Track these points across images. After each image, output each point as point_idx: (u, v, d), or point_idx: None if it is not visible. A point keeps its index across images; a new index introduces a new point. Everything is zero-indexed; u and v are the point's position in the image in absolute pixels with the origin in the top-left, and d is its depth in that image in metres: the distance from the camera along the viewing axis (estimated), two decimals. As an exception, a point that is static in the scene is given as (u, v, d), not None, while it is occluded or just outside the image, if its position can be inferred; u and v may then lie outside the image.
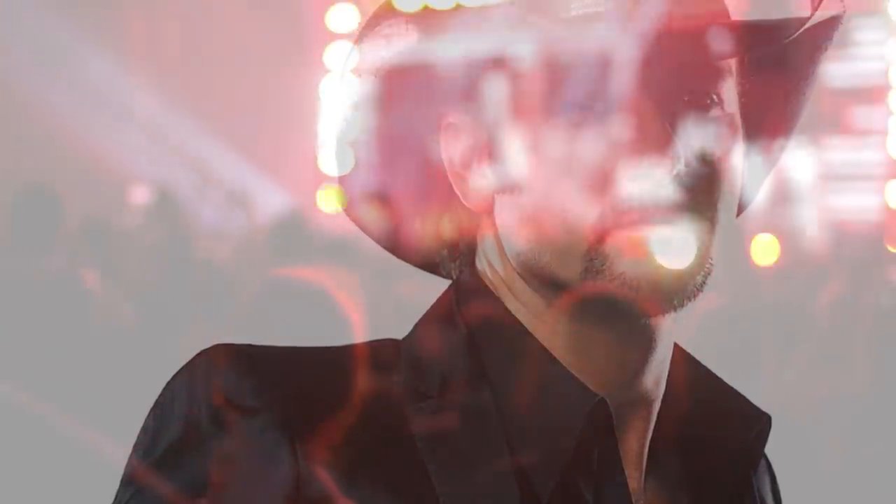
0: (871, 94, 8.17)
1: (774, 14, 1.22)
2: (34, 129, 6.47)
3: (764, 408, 1.29)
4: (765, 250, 6.93)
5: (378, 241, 1.35)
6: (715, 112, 1.20)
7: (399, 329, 1.30)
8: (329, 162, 1.32)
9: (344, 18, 7.74)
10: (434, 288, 1.32)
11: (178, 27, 7.66)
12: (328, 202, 7.53)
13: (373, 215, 1.33)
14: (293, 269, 3.69)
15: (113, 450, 2.95)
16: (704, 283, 1.19)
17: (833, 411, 5.29)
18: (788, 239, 7.36)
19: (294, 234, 5.65)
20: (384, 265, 5.26)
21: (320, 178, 7.60)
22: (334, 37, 7.74)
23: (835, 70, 7.86)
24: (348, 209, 1.35)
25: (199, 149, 7.04)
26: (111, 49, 7.18)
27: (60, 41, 6.87)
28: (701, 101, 1.20)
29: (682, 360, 1.30)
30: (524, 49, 1.21)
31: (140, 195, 5.50)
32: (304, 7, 7.95)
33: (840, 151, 8.33)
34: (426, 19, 1.25)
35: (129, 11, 7.71)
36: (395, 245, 1.34)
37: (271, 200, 6.72)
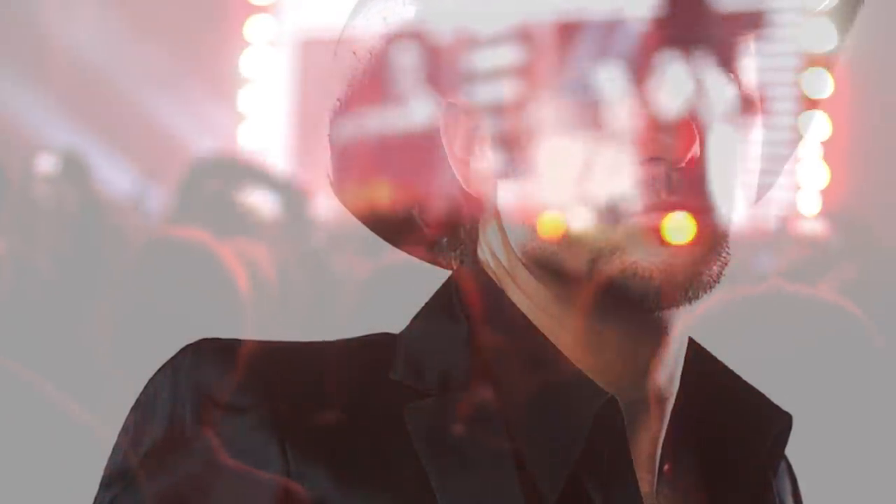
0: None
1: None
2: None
3: None
4: (678, 228, 6.95)
5: (373, 230, 1.29)
6: (732, 91, 1.15)
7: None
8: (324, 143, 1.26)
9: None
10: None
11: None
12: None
13: (368, 202, 1.26)
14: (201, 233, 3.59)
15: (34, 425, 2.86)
16: (721, 273, 1.13)
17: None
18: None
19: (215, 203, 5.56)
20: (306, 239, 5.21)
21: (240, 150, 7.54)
22: (255, 9, 7.70)
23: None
24: (341, 195, 1.28)
25: (115, 116, 6.94)
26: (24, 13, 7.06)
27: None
28: (718, 80, 1.14)
29: (697, 355, 1.24)
30: (528, 27, 1.15)
31: (52, 160, 5.38)
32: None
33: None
34: None
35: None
36: (391, 233, 1.28)
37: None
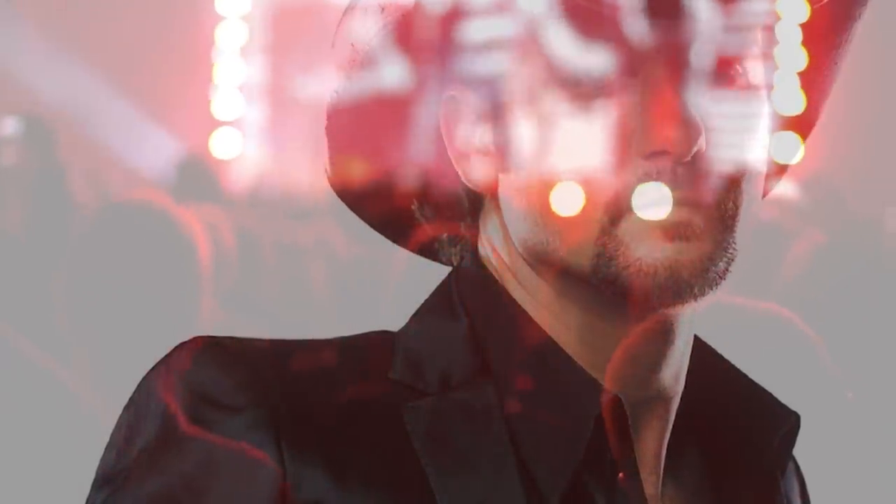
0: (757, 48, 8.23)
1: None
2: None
3: None
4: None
5: (372, 226, 1.27)
6: (739, 85, 1.13)
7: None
8: (323, 139, 1.24)
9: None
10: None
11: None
12: (221, 147, 7.43)
13: (365, 196, 1.24)
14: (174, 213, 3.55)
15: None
16: (727, 269, 1.11)
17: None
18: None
19: (186, 178, 5.53)
20: (274, 211, 5.19)
21: (213, 123, 7.50)
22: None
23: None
24: (338, 189, 1.26)
25: (89, 90, 6.89)
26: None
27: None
28: (724, 73, 1.12)
29: (703, 354, 1.22)
30: (531, 16, 1.12)
31: (16, 124, 5.34)
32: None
33: (725, 105, 8.40)
34: None
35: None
36: (390, 229, 1.27)
37: (163, 144, 6.59)
